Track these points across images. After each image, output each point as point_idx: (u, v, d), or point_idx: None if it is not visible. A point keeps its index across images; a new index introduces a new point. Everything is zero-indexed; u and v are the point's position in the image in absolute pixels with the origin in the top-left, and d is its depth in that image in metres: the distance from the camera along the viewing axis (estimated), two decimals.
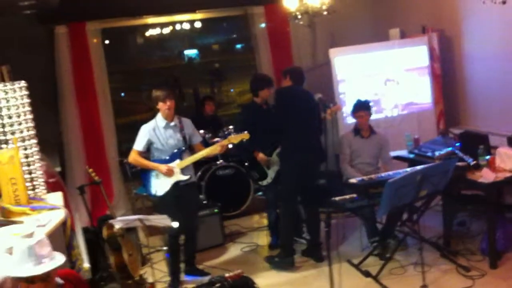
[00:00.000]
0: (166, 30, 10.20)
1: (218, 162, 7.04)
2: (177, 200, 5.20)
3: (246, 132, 5.30)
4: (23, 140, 4.45)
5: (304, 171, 5.44)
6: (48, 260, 2.77)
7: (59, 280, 2.93)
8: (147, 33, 10.66)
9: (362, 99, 5.99)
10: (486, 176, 4.94)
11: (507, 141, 5.24)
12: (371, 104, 5.99)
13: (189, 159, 5.23)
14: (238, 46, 11.57)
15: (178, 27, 9.50)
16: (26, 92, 4.49)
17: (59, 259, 2.84)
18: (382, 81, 7.12)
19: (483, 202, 5.15)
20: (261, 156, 5.83)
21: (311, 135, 5.46)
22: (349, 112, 6.94)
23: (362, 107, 5.81)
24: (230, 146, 5.71)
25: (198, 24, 9.10)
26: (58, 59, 7.12)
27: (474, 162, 5.11)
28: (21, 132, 4.44)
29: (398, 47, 7.14)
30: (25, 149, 4.46)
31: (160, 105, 5.14)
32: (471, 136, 5.75)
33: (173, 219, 4.84)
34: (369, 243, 5.65)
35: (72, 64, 7.15)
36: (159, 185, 5.20)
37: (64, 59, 7.12)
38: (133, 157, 5.25)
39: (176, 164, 5.16)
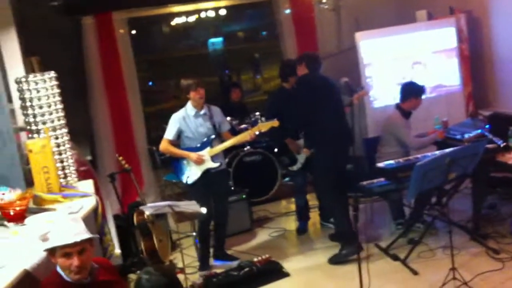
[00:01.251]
0: (192, 19, 10.25)
1: (245, 149, 7.07)
2: (207, 187, 5.27)
3: (275, 119, 5.30)
4: (54, 130, 4.55)
5: (339, 157, 5.42)
6: (84, 233, 2.90)
7: (94, 264, 3.03)
8: (173, 22, 10.73)
9: (412, 81, 5.99)
10: None
11: None
12: None
13: (220, 147, 5.28)
14: (263, 33, 11.57)
15: (203, 15, 9.52)
16: (56, 83, 4.59)
17: (93, 234, 3.00)
18: (409, 64, 7.03)
19: None
20: (291, 141, 5.84)
21: (339, 120, 5.43)
22: (376, 97, 6.93)
23: (424, 90, 5.79)
24: (257, 133, 5.73)
25: (223, 12, 9.11)
26: (86, 50, 7.21)
27: (504, 144, 5.05)
28: (52, 122, 4.53)
29: (425, 29, 7.04)
30: (56, 138, 4.57)
31: (192, 94, 5.17)
32: (500, 117, 5.68)
33: (204, 206, 4.90)
34: (394, 225, 5.65)
35: (100, 55, 7.24)
36: (190, 173, 5.27)
37: (92, 49, 7.21)
38: (164, 146, 5.32)
39: (207, 152, 5.21)
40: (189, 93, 5.19)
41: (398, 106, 5.74)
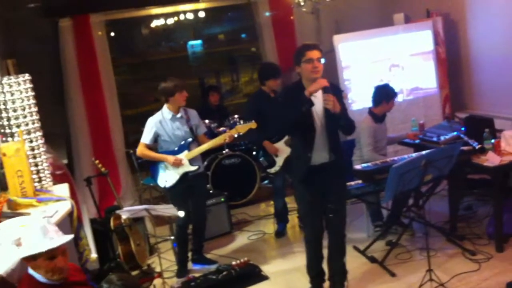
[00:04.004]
0: (171, 21, 10.22)
1: (224, 152, 7.05)
2: (185, 190, 5.24)
3: (253, 121, 5.30)
4: (29, 133, 4.49)
5: None
6: (60, 235, 2.95)
7: None
8: (152, 25, 10.68)
9: (385, 84, 5.89)
10: (491, 159, 4.93)
11: None
12: None
13: (197, 150, 5.24)
14: (243, 35, 11.57)
15: (182, 17, 9.50)
16: (31, 85, 4.53)
17: (69, 235, 3.04)
18: (387, 66, 7.10)
19: (489, 185, 5.14)
20: (269, 144, 5.84)
21: None
22: (354, 99, 6.96)
23: (396, 94, 5.70)
24: (236, 135, 5.71)
25: (202, 14, 9.09)
26: (63, 52, 7.14)
27: (480, 146, 5.09)
28: (27, 125, 4.47)
29: (403, 32, 7.11)
30: (31, 141, 4.51)
31: (177, 95, 5.11)
32: (476, 120, 5.72)
33: (182, 209, 4.88)
34: (373, 227, 5.67)
35: (77, 57, 7.16)
36: (168, 177, 5.24)
37: (69, 52, 7.14)
38: (141, 151, 5.26)
39: (185, 155, 5.19)
40: (173, 95, 5.11)
41: (370, 111, 5.73)
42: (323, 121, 4.20)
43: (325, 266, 4.57)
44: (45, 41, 7.08)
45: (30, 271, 2.93)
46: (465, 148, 5.05)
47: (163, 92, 5.17)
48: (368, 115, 5.70)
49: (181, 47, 11.42)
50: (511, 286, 3.99)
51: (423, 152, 4.81)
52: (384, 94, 5.63)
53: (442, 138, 5.48)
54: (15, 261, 3.11)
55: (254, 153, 6.79)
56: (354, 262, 5.16)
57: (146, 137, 5.23)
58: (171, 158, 5.14)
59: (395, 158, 5.31)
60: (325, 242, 4.51)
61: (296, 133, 4.34)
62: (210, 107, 7.64)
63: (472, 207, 5.86)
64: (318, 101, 4.13)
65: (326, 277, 4.57)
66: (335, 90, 4.21)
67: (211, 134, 6.53)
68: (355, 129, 4.38)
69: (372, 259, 5.15)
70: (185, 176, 5.22)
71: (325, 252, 4.54)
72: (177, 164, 5.14)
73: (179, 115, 5.22)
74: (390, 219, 5.60)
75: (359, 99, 6.96)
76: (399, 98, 7.08)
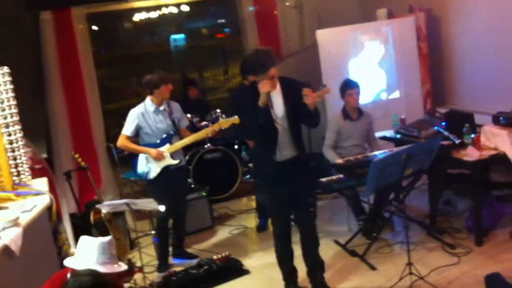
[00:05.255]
0: (154, 15, 10.15)
1: (205, 146, 7.03)
2: (167, 184, 5.22)
3: (236, 116, 5.27)
4: (7, 126, 4.43)
5: None
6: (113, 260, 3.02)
7: None
8: (135, 18, 10.60)
9: (346, 79, 5.89)
10: (471, 154, 4.97)
11: (492, 119, 5.26)
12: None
13: (179, 144, 5.21)
14: (227, 29, 11.54)
15: (165, 11, 9.44)
16: (9, 78, 4.46)
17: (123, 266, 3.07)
18: (369, 62, 7.10)
19: (469, 180, 5.19)
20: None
21: None
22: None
23: (351, 85, 5.63)
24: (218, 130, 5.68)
25: (185, 8, 9.04)
26: (44, 45, 7.06)
27: (460, 140, 5.13)
28: (5, 118, 4.41)
29: (386, 27, 7.12)
30: (9, 135, 4.44)
31: (163, 87, 5.09)
32: (456, 115, 5.77)
33: (163, 203, 4.85)
34: (358, 222, 5.65)
35: (58, 50, 7.09)
36: (149, 169, 5.20)
37: (50, 45, 7.06)
38: (122, 142, 5.22)
39: (166, 149, 5.16)
40: (158, 87, 5.08)
41: (343, 107, 5.75)
42: (285, 121, 4.23)
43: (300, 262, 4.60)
44: (25, 33, 6.98)
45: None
46: (445, 142, 5.08)
47: (148, 84, 5.14)
48: (340, 111, 5.72)
49: (164, 41, 11.35)
50: (489, 279, 4.01)
51: (404, 147, 4.83)
52: (340, 88, 5.67)
53: (422, 132, 5.51)
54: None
55: (236, 147, 6.80)
56: (334, 256, 5.20)
57: (128, 129, 5.19)
58: (153, 151, 5.11)
59: (376, 152, 5.33)
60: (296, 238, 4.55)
61: (258, 136, 4.38)
62: (190, 101, 7.60)
63: (452, 202, 5.91)
64: (277, 101, 4.21)
65: (305, 272, 4.60)
66: (293, 85, 4.26)
67: (193, 128, 6.49)
68: (319, 122, 4.36)
69: (353, 253, 5.18)
70: (166, 170, 5.19)
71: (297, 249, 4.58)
72: (159, 157, 5.11)
73: (161, 108, 5.19)
74: (372, 214, 5.62)
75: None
76: (381, 94, 7.15)
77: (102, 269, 2.84)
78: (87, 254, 2.93)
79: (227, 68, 11.96)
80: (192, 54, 11.49)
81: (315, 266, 4.55)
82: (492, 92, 6.10)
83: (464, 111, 5.98)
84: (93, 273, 2.66)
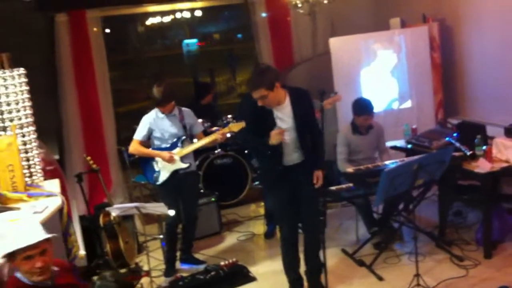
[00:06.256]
0: (167, 19, 10.20)
1: (216, 151, 7.05)
2: (176, 188, 5.24)
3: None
4: (21, 127, 4.49)
5: None
6: (42, 233, 2.88)
7: (53, 267, 2.98)
8: (148, 22, 10.66)
9: (364, 98, 5.83)
10: (482, 166, 4.96)
11: (504, 132, 5.24)
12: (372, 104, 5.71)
13: (189, 148, 5.24)
14: (239, 35, 11.56)
15: (178, 15, 9.48)
16: (25, 80, 4.53)
17: (52, 234, 2.94)
18: (382, 71, 7.10)
19: (479, 192, 5.16)
20: None
21: None
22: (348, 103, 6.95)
23: (366, 111, 5.56)
24: (229, 135, 5.70)
25: (198, 13, 9.08)
26: (58, 47, 7.10)
27: (471, 152, 5.11)
28: (19, 119, 4.48)
29: (399, 36, 7.12)
30: (23, 136, 4.51)
31: (162, 108, 5.15)
32: (468, 126, 5.73)
33: (172, 207, 4.87)
34: (369, 233, 5.58)
35: (72, 53, 7.13)
36: (159, 173, 5.23)
37: (64, 47, 7.11)
38: (134, 147, 5.26)
39: (176, 152, 5.18)
40: (159, 105, 5.14)
41: (352, 120, 5.73)
42: (292, 132, 4.31)
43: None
44: (40, 35, 7.04)
45: (17, 274, 2.88)
46: (456, 154, 5.07)
47: (153, 98, 5.18)
48: (349, 124, 5.72)
49: (176, 45, 11.40)
50: None
51: (415, 157, 4.82)
52: (354, 107, 5.66)
53: (434, 143, 5.50)
54: (3, 257, 3.09)
55: (246, 152, 6.80)
56: (342, 265, 5.19)
57: (140, 134, 5.23)
58: (165, 154, 5.14)
59: (387, 162, 5.32)
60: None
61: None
62: (201, 106, 7.60)
63: (462, 213, 5.88)
64: (285, 113, 4.29)
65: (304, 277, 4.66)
66: (302, 96, 4.37)
67: (204, 133, 6.50)
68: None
69: (360, 263, 5.16)
70: (175, 174, 5.21)
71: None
72: (171, 160, 5.13)
73: (172, 114, 5.22)
74: (381, 223, 5.60)
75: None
76: (393, 103, 7.13)
77: (41, 237, 2.83)
78: (21, 233, 2.87)
79: (235, 74, 11.99)
80: (204, 58, 11.53)
81: (315, 269, 4.61)
82: (505, 104, 6.07)
83: (476, 122, 5.94)
84: (121, 283, 2.70)
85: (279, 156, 4.32)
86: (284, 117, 4.30)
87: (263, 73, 4.19)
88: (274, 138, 4.18)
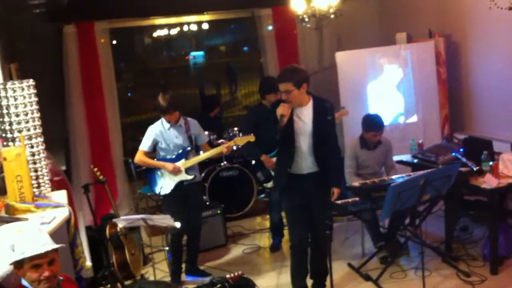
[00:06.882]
0: (174, 31, 10.27)
1: (222, 164, 7.06)
2: (181, 199, 5.25)
3: (252, 134, 5.32)
4: (30, 138, 4.50)
5: None
6: (51, 243, 2.88)
7: (60, 277, 2.99)
8: (155, 34, 10.73)
9: (374, 114, 5.85)
10: (489, 181, 4.95)
11: (511, 147, 5.25)
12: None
13: (194, 159, 5.26)
14: (245, 48, 11.62)
15: (185, 28, 9.55)
16: (34, 91, 4.55)
17: (59, 244, 2.94)
18: (388, 85, 7.12)
19: (486, 207, 5.16)
20: (266, 158, 5.83)
21: None
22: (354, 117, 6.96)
23: (374, 128, 5.60)
24: (234, 147, 5.72)
25: (205, 26, 9.14)
26: (66, 58, 7.16)
27: (477, 167, 5.12)
28: (28, 130, 4.49)
29: (405, 51, 7.15)
30: (32, 147, 4.52)
31: (167, 116, 5.16)
32: (475, 141, 5.75)
33: (177, 219, 4.88)
34: (376, 248, 5.56)
35: (80, 63, 7.19)
36: (164, 184, 5.25)
37: (72, 58, 7.16)
38: (139, 158, 5.29)
39: (181, 164, 5.20)
40: (164, 114, 5.16)
41: (361, 134, 5.75)
42: (310, 137, 4.41)
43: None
44: (48, 46, 7.10)
45: (23, 282, 2.89)
46: (463, 169, 5.07)
47: (157, 107, 5.20)
48: (357, 138, 5.74)
49: (182, 57, 11.46)
50: None
51: (421, 172, 4.82)
52: (363, 123, 5.70)
53: (440, 158, 5.50)
54: (10, 267, 3.09)
55: (253, 162, 6.80)
56: (347, 279, 5.18)
57: (145, 145, 5.25)
58: (169, 165, 5.16)
59: (393, 177, 5.32)
60: None
61: (279, 148, 4.62)
62: (208, 118, 7.63)
63: (468, 228, 5.87)
64: (307, 116, 4.40)
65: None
66: (323, 106, 4.47)
67: (211, 145, 6.53)
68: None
69: (367, 277, 5.15)
70: (180, 185, 5.22)
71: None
72: (176, 171, 5.15)
73: (178, 124, 5.24)
74: (386, 238, 5.59)
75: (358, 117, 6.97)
76: (399, 118, 7.14)
77: (51, 247, 2.83)
78: (31, 241, 2.86)
79: (236, 86, 12.04)
80: (210, 70, 11.58)
81: (320, 274, 4.71)
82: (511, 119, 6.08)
83: (483, 138, 5.95)
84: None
85: (289, 163, 4.45)
86: (302, 117, 4.42)
87: (295, 70, 4.40)
88: (280, 108, 4.28)
